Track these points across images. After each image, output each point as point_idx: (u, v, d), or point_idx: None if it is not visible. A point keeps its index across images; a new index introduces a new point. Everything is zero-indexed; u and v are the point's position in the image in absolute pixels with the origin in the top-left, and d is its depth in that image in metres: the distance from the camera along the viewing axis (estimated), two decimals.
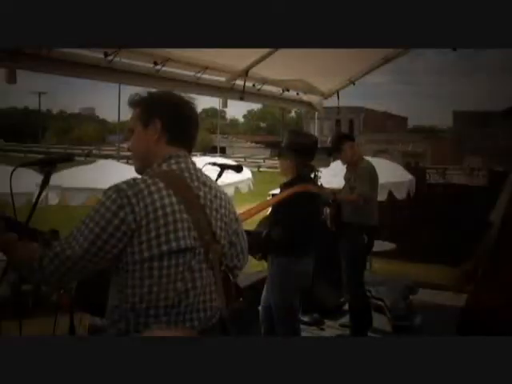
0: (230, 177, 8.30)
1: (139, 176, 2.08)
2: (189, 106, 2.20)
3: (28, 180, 5.98)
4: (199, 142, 69.19)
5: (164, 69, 4.57)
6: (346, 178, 5.84)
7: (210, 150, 63.94)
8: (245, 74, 5.49)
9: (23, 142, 75.13)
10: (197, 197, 2.08)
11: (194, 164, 2.16)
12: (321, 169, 4.71)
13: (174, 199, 1.98)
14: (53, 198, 8.97)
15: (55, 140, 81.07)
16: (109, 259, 1.95)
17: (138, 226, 1.91)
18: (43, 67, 3.84)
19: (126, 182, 1.98)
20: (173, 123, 2.14)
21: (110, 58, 4.03)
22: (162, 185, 1.98)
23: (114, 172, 8.55)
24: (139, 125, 2.16)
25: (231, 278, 2.28)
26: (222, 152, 62.93)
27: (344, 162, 5.85)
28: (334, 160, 6.12)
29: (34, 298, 8.17)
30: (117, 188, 1.96)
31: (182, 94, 2.29)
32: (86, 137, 79.55)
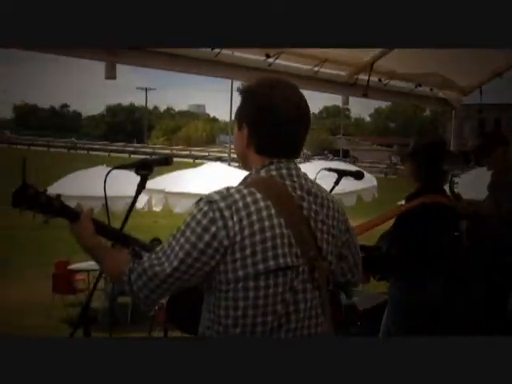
0: (351, 184, 8.26)
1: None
2: (291, 102, 2.05)
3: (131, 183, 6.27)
4: (319, 143, 69.41)
5: (277, 62, 4.62)
6: (491, 189, 5.61)
7: (333, 153, 63.92)
8: (369, 67, 5.42)
9: (128, 141, 79.02)
10: (299, 208, 2.03)
11: (297, 170, 2.10)
12: (458, 177, 4.56)
13: (272, 211, 1.95)
14: (157, 204, 9.38)
15: (161, 140, 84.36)
16: (200, 276, 1.97)
17: (231, 242, 1.91)
18: (148, 62, 4.00)
19: (219, 193, 1.97)
20: (261, 131, 2.06)
21: (216, 50, 4.13)
22: (259, 195, 1.96)
23: (223, 176, 8.79)
24: (235, 125, 2.15)
25: (345, 296, 2.25)
26: (345, 155, 62.67)
27: (491, 169, 5.61)
28: (476, 166, 5.89)
29: (132, 312, 8.52)
30: (208, 199, 1.96)
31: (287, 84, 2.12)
32: (194, 136, 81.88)
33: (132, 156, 56.03)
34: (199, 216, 1.94)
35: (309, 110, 2.12)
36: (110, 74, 3.52)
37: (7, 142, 73.78)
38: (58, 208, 2.19)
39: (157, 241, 9.21)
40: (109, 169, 2.38)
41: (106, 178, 2.34)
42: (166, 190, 8.98)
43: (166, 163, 2.35)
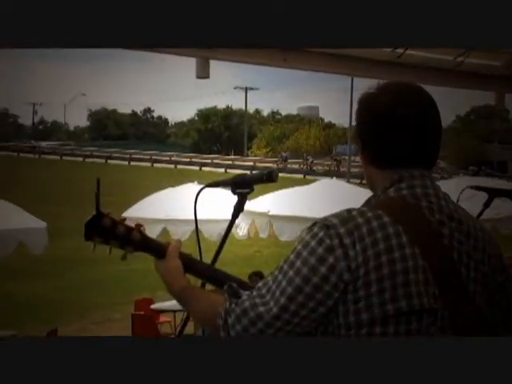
0: (509, 207, 8.03)
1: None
2: (405, 103, 2.06)
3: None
4: (466, 152, 67.52)
5: (408, 52, 4.60)
6: None
7: (486, 165, 62.30)
8: None
9: (224, 152, 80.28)
10: (438, 236, 2.00)
11: (436, 189, 2.07)
12: None
13: (404, 239, 1.93)
14: (260, 230, 9.46)
15: (265, 151, 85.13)
16: (313, 320, 1.97)
17: (353, 276, 1.89)
18: (247, 57, 4.09)
19: (338, 215, 1.97)
20: (372, 139, 2.09)
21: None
22: (387, 219, 1.94)
23: (340, 196, 8.77)
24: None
25: None
26: (502, 169, 60.97)
27: None
28: None
29: None
30: (324, 223, 1.95)
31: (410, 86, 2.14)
32: (305, 146, 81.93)
33: (229, 171, 56.91)
34: (313, 243, 1.94)
35: (433, 112, 2.10)
36: (203, 73, 3.58)
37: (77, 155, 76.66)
38: (138, 241, 2.23)
39: (258, 275, 9.26)
40: (201, 186, 2.42)
41: (196, 197, 2.40)
42: (271, 213, 9.02)
43: (269, 180, 2.36)
